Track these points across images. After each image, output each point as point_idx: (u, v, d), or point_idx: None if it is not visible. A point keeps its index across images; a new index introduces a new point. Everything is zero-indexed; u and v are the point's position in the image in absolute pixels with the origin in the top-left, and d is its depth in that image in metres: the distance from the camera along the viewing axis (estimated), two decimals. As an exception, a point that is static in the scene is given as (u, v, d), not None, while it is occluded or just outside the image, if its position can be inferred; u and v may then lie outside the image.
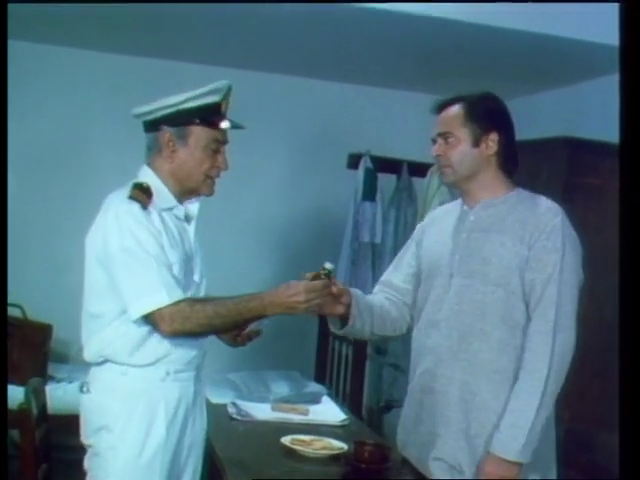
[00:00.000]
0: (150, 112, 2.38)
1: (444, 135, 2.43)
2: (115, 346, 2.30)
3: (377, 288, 2.69)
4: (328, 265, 2.34)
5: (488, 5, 3.63)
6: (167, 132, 2.36)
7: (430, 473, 2.38)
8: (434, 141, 2.48)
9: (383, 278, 2.72)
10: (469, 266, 2.39)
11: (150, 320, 2.25)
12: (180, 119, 2.35)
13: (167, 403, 2.33)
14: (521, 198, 2.43)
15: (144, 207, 2.28)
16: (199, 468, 2.48)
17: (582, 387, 3.61)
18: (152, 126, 2.39)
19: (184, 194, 2.43)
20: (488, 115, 2.44)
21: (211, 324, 2.27)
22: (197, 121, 2.35)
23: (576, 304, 2.35)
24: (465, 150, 2.41)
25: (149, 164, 2.43)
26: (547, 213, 2.37)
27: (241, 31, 4.34)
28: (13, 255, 4.28)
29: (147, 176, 2.39)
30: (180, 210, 2.40)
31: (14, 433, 2.82)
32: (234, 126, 2.41)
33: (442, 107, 2.47)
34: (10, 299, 4.18)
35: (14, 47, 4.45)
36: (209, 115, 2.36)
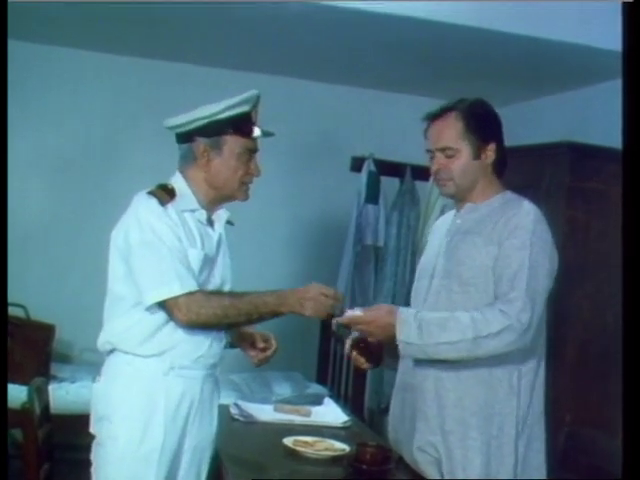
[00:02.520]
0: (183, 124, 2.42)
1: (443, 149, 2.42)
2: (123, 335, 2.36)
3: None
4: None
5: (491, 9, 3.64)
6: (202, 143, 2.41)
7: (416, 464, 2.41)
8: (430, 153, 2.47)
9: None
10: (447, 267, 2.43)
11: (166, 309, 2.30)
12: (214, 130, 2.40)
13: (168, 398, 2.35)
14: (504, 201, 2.45)
15: (161, 203, 2.35)
16: (204, 472, 2.48)
17: (583, 391, 3.62)
18: (186, 137, 2.44)
19: (219, 201, 2.50)
20: (486, 126, 2.45)
21: (226, 314, 2.32)
22: (230, 131, 2.41)
23: (543, 306, 2.33)
24: (466, 163, 2.42)
25: (182, 172, 2.47)
26: (518, 213, 2.37)
27: (245, 33, 4.35)
28: (17, 256, 4.31)
29: (177, 181, 2.45)
30: (202, 214, 2.44)
31: (16, 432, 2.83)
32: (265, 134, 2.48)
33: (435, 118, 2.45)
34: (13, 299, 4.20)
35: (16, 48, 4.50)
36: (241, 124, 2.42)
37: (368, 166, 5.23)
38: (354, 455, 2.42)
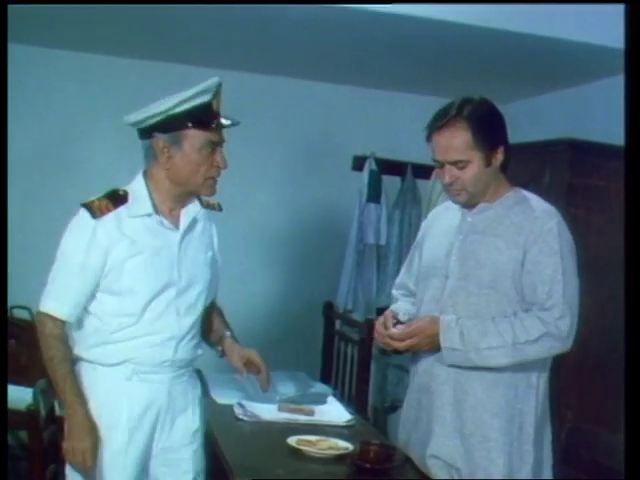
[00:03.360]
0: (141, 121, 2.33)
1: (455, 162, 2.37)
2: (82, 345, 2.36)
3: (398, 293, 2.75)
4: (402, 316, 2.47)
5: (492, 8, 3.65)
6: (161, 139, 2.32)
7: (428, 470, 2.41)
8: (438, 163, 2.42)
9: (399, 281, 2.77)
10: (464, 268, 2.41)
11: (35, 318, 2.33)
12: (172, 125, 2.29)
13: (131, 404, 2.33)
14: (518, 200, 2.44)
15: (94, 215, 2.30)
16: (184, 470, 2.46)
17: (584, 387, 3.63)
18: (145, 134, 2.35)
19: (185, 197, 2.41)
20: (494, 131, 2.41)
21: (49, 366, 2.30)
22: (189, 124, 2.30)
23: (577, 309, 2.36)
24: (478, 172, 2.38)
25: (146, 171, 2.41)
26: (542, 216, 2.37)
27: (246, 34, 4.36)
28: (21, 257, 4.32)
29: (136, 183, 2.40)
30: (155, 218, 2.37)
31: (22, 434, 2.83)
32: (229, 124, 2.36)
33: (440, 127, 2.37)
34: (18, 301, 4.22)
35: (18, 51, 4.51)
36: (201, 116, 2.30)
37: (369, 165, 5.24)
38: (357, 454, 2.43)
